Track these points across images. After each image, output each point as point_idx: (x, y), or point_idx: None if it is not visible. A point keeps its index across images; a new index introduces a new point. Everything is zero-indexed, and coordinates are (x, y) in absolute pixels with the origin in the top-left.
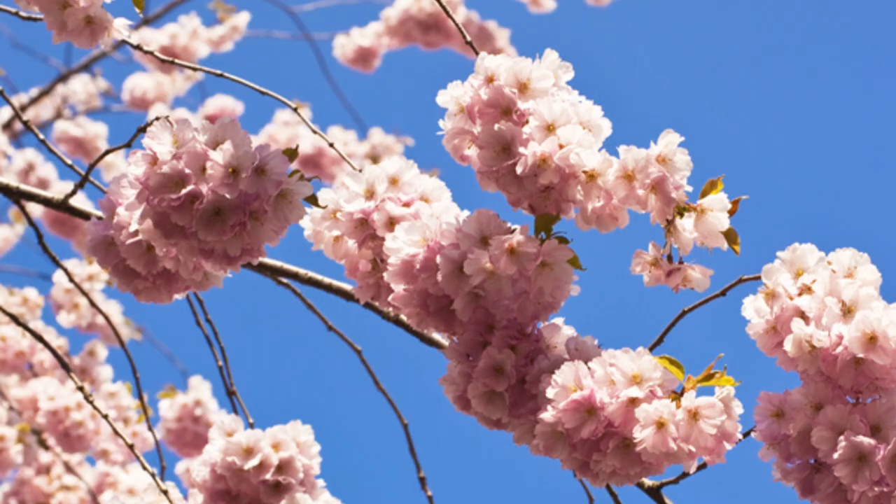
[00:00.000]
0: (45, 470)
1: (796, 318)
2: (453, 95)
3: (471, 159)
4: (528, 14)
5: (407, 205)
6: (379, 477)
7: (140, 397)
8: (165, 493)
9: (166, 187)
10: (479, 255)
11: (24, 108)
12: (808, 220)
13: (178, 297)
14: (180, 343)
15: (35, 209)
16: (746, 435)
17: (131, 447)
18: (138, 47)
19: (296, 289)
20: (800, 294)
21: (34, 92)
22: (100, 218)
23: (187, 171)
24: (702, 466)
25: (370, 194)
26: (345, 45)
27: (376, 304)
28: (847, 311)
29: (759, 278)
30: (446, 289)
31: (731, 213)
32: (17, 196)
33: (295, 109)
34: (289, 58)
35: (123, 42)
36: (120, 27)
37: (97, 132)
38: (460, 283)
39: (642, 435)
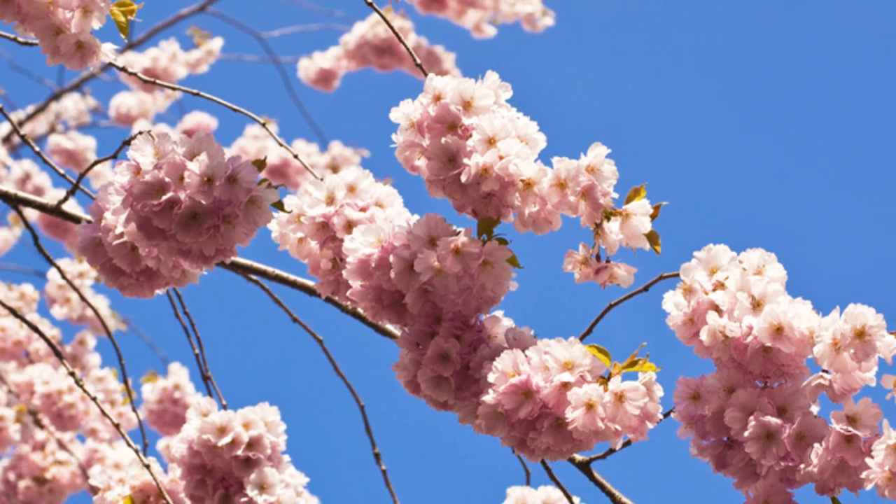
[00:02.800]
0: (40, 447)
1: (711, 311)
2: (405, 112)
3: (420, 169)
4: (471, 40)
5: (363, 210)
6: (339, 453)
7: (125, 382)
8: (148, 467)
9: (148, 194)
10: (428, 255)
11: (21, 123)
12: (721, 223)
13: (159, 292)
14: (161, 333)
15: (31, 214)
16: (667, 415)
17: (117, 426)
18: (123, 69)
19: (264, 285)
20: (714, 290)
21: (30, 109)
22: (89, 221)
23: (167, 179)
24: (627, 443)
25: (330, 200)
26: (308, 67)
27: (336, 298)
28: (756, 305)
29: (677, 275)
30: (398, 285)
31: (653, 217)
32: (15, 202)
33: (263, 125)
34: (258, 79)
35: (110, 64)
36: (107, 51)
37: (87, 145)
38: (411, 279)
39: (573, 415)
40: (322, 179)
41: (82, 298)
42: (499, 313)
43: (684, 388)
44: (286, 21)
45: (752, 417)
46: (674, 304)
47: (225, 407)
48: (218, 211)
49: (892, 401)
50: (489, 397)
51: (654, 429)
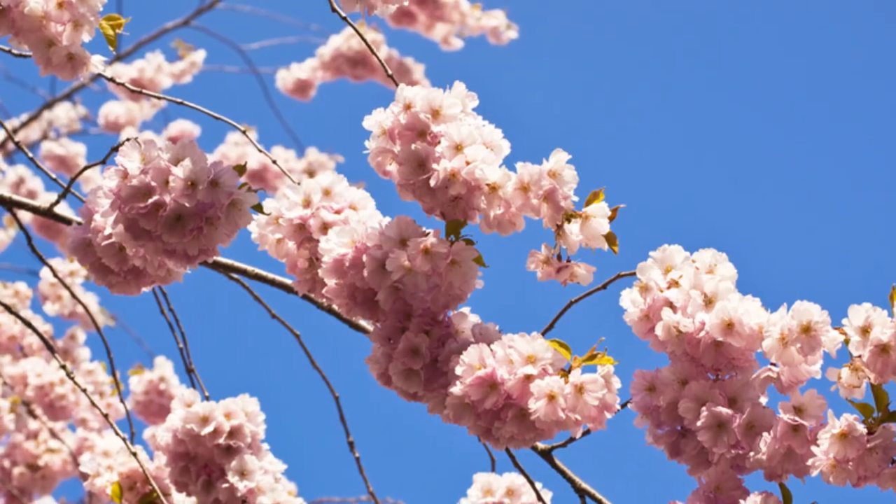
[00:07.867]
0: (33, 436)
1: (665, 307)
2: (377, 120)
3: (392, 174)
4: (440, 52)
5: (338, 212)
6: (314, 441)
7: (113, 374)
8: (135, 454)
9: (135, 197)
10: (399, 255)
11: (15, 130)
12: (675, 224)
13: (145, 289)
14: (147, 328)
15: (25, 216)
16: (624, 406)
17: (106, 416)
18: (112, 79)
19: (244, 283)
20: (668, 287)
21: (24, 117)
22: (80, 223)
23: (153, 183)
24: (586, 432)
25: (307, 203)
26: (285, 77)
27: (312, 295)
28: (708, 302)
29: (634, 274)
30: (371, 283)
31: (611, 219)
32: (9, 205)
33: (244, 132)
34: (238, 88)
35: (99, 75)
36: (96, 62)
37: (77, 151)
38: (383, 278)
39: (536, 406)
40: (299, 184)
41: (73, 296)
42: (465, 310)
43: (640, 380)
44: (265, 34)
45: (704, 408)
46: (630, 301)
47: (207, 398)
48: (201, 213)
49: (837, 392)
50: (457, 389)
51: (612, 418)
